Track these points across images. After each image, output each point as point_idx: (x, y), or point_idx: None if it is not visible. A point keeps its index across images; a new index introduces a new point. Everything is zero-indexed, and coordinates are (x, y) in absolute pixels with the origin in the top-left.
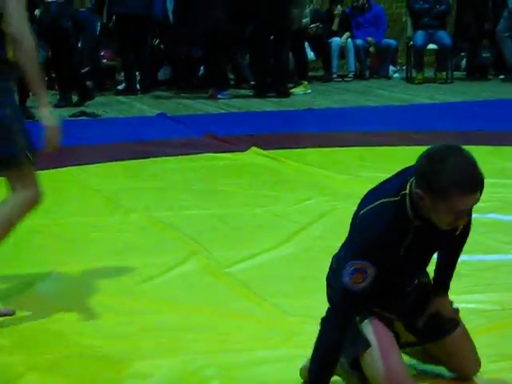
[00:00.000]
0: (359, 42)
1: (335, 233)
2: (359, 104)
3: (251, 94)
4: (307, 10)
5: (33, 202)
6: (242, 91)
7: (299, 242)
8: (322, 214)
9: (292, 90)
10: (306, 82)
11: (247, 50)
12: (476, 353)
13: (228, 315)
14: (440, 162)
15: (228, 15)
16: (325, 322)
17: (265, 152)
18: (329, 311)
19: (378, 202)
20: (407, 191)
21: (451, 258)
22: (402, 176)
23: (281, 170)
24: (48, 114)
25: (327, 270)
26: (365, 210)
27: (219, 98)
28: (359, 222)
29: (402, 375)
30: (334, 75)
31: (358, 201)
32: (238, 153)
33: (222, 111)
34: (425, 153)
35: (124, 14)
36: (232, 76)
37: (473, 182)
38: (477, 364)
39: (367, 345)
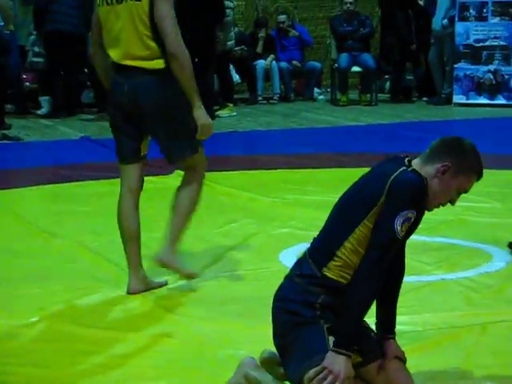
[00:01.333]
0: (283, 64)
1: (259, 255)
2: (284, 126)
3: None
4: (232, 33)
5: None
6: None
7: (223, 265)
8: (246, 236)
9: (217, 113)
10: (231, 105)
11: None
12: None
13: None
14: (468, 146)
15: None
16: (368, 272)
17: None
18: (370, 263)
19: (403, 169)
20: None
21: (394, 300)
22: (393, 163)
23: (205, 193)
24: (202, 113)
25: (249, 294)
26: (395, 174)
27: None
28: (400, 182)
29: None
30: (260, 97)
31: (283, 223)
32: (163, 176)
33: None
34: (447, 138)
35: (54, 31)
36: None
37: (482, 172)
38: None
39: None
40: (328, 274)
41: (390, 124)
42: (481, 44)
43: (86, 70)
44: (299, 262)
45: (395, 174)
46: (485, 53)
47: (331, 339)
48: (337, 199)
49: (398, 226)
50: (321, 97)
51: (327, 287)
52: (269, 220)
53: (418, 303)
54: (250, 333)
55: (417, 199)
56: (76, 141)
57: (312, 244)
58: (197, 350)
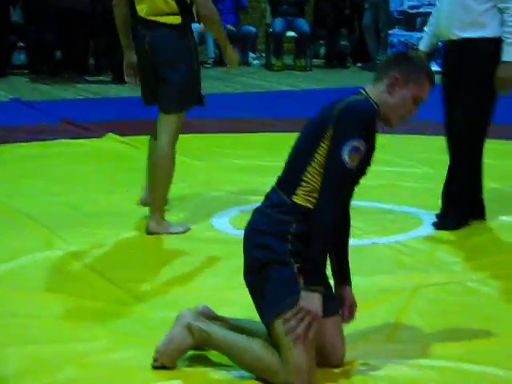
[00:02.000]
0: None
1: (193, 215)
2: (219, 90)
3: (110, 79)
4: None
5: None
6: (102, 77)
7: None
8: (179, 198)
9: None
10: None
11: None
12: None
13: (79, 304)
14: (415, 56)
15: None
16: (324, 202)
17: (121, 138)
18: (325, 194)
19: (353, 97)
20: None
21: (346, 247)
22: (349, 95)
23: (137, 157)
24: (231, 51)
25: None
26: (344, 102)
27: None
28: (346, 110)
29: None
30: None
31: (216, 187)
32: (94, 139)
33: (80, 97)
34: (391, 54)
35: None
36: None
37: (433, 77)
38: (343, 355)
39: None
40: (297, 201)
41: (325, 89)
42: (415, 10)
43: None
44: (268, 196)
45: (344, 102)
46: (419, 19)
47: (301, 280)
48: (269, 163)
49: (346, 156)
50: (255, 61)
51: (297, 214)
52: (202, 183)
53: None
54: (182, 292)
55: (363, 127)
56: (5, 102)
57: (278, 178)
58: (126, 313)
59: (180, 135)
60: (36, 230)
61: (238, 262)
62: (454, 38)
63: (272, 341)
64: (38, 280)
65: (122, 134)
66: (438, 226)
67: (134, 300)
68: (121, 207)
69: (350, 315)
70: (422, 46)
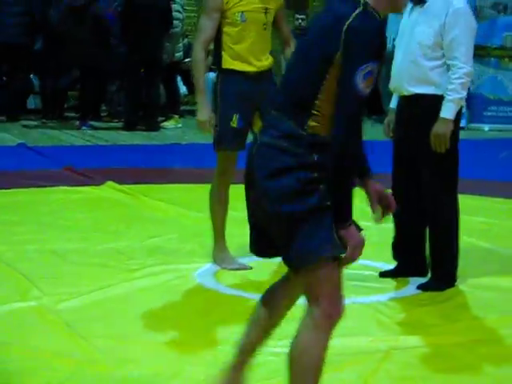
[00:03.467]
0: None
1: (178, 267)
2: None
3: (121, 126)
4: (180, 45)
5: None
6: (113, 124)
7: (137, 281)
8: (166, 249)
9: (162, 124)
10: (177, 116)
11: (119, 82)
12: None
13: (46, 356)
14: None
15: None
16: (345, 137)
17: (120, 187)
18: (344, 127)
19: (354, 12)
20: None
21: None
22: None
23: (133, 206)
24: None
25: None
26: (349, 21)
27: (83, 129)
28: (353, 32)
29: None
30: None
31: (206, 239)
32: (93, 187)
33: (89, 143)
34: None
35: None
36: (105, 108)
37: None
38: None
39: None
40: (313, 131)
41: None
42: None
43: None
44: (269, 125)
45: (349, 22)
46: None
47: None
48: None
49: (360, 82)
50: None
51: (316, 145)
52: (192, 236)
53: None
54: (153, 350)
55: (375, 48)
56: (12, 147)
57: (276, 103)
58: (93, 370)
59: (181, 185)
60: (14, 278)
61: (216, 317)
62: (406, 93)
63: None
64: (7, 332)
65: (122, 182)
66: (422, 287)
67: (101, 356)
68: (106, 258)
69: (391, 206)
70: (393, 105)
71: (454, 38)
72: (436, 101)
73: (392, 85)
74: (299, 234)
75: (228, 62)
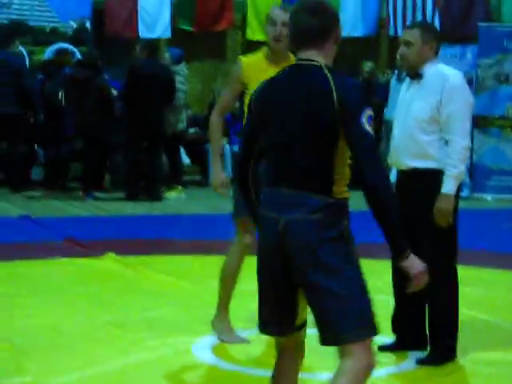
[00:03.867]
0: (235, 148)
1: (174, 340)
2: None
3: (124, 197)
4: (183, 116)
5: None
6: (117, 194)
7: (133, 355)
8: (162, 321)
9: (165, 194)
10: (180, 187)
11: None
12: None
13: None
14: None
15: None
16: (379, 179)
17: (120, 258)
18: (375, 170)
19: (331, 80)
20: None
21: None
22: (308, 75)
23: (133, 278)
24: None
25: None
26: (334, 91)
27: (87, 200)
28: (343, 93)
29: None
30: (210, 180)
31: (203, 311)
32: (93, 258)
33: (92, 214)
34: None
35: None
36: (108, 177)
37: None
38: None
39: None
40: (339, 196)
41: None
42: None
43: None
44: (290, 203)
45: (335, 92)
46: None
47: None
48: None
49: (369, 129)
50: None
51: (343, 208)
52: (191, 308)
53: None
54: None
55: (364, 96)
56: (14, 219)
57: (294, 182)
58: None
59: (187, 256)
60: (10, 352)
61: None
62: (404, 167)
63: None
64: None
65: (123, 254)
66: (421, 361)
67: None
68: (103, 332)
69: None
70: (392, 179)
71: (450, 114)
72: (435, 175)
73: (391, 159)
74: (353, 306)
75: None
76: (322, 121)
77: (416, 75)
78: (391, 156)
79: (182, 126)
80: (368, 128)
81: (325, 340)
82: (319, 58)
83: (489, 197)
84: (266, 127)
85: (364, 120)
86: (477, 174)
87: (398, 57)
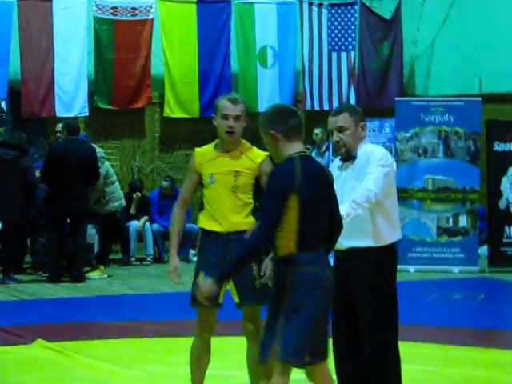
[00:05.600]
0: (156, 226)
1: None
2: (156, 290)
3: (45, 279)
4: (119, 193)
5: None
6: (37, 276)
7: None
8: None
9: (88, 274)
10: (102, 266)
11: (44, 233)
12: None
13: None
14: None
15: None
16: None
17: (50, 345)
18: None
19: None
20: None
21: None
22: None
23: (65, 365)
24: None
25: None
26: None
27: (7, 283)
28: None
29: None
30: (132, 258)
31: None
32: (23, 346)
33: (13, 298)
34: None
35: None
36: (28, 260)
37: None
38: None
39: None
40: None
41: None
42: None
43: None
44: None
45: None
46: None
47: None
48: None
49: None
50: (195, 258)
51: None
52: None
53: None
54: None
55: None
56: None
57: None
58: None
59: (112, 340)
60: None
61: None
62: (341, 247)
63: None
64: None
65: (52, 339)
66: None
67: None
68: None
69: None
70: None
71: (368, 171)
72: (371, 252)
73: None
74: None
75: (201, 221)
76: (330, 197)
77: (350, 157)
78: None
79: (111, 205)
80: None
81: None
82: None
83: (411, 268)
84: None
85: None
86: (399, 246)
87: (333, 143)
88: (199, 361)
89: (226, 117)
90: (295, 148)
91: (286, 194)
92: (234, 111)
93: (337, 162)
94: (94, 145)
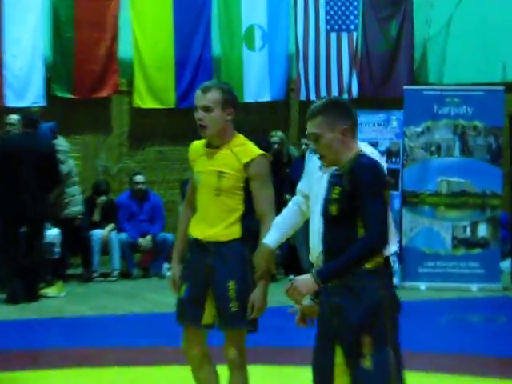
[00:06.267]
0: (124, 235)
1: None
2: (122, 311)
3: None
4: (77, 197)
5: None
6: None
7: None
8: None
9: (43, 291)
10: (61, 282)
11: None
12: None
13: None
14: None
15: None
16: None
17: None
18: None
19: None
20: None
21: None
22: None
23: None
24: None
25: None
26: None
27: None
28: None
29: None
30: (95, 273)
31: None
32: None
33: None
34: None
35: None
36: None
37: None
38: None
39: None
40: None
41: None
42: None
43: None
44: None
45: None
46: None
47: None
48: None
49: None
50: (169, 273)
51: None
52: None
53: None
54: None
55: None
56: None
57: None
58: None
59: (68, 369)
60: None
61: None
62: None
63: None
64: None
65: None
66: None
67: None
68: None
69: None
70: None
71: None
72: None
73: (312, 257)
74: None
75: (190, 227)
76: None
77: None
78: (313, 252)
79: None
80: None
81: None
82: None
83: (422, 285)
84: None
85: None
86: (408, 260)
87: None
88: (198, 379)
89: (195, 108)
90: (357, 145)
91: (386, 191)
92: (202, 101)
93: (315, 160)
94: (59, 137)
